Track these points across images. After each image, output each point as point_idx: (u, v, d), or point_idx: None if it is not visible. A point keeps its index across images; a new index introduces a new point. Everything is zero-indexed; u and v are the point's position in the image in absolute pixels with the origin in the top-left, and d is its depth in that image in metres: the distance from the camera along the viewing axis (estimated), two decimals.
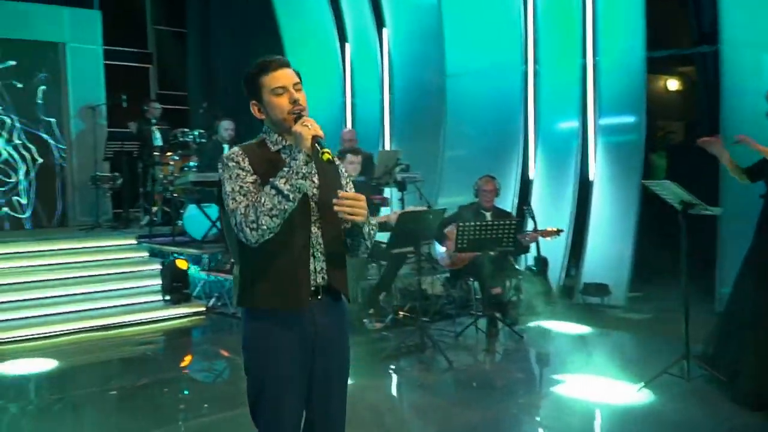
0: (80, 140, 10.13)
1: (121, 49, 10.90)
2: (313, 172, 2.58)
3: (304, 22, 11.03)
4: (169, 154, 9.06)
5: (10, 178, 9.69)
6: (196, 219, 8.34)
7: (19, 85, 9.69)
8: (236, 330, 7.05)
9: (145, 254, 8.54)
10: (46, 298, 7.41)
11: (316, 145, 2.42)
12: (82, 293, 7.62)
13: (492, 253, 6.31)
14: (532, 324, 6.86)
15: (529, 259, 7.64)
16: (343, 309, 2.73)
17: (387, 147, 10.23)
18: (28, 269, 7.75)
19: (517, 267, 7.40)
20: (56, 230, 9.61)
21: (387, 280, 6.58)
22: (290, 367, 2.55)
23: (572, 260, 7.98)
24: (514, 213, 7.91)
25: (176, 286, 7.69)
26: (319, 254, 2.57)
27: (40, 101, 9.85)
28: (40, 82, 9.85)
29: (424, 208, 6.38)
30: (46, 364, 5.98)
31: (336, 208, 2.46)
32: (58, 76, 10.06)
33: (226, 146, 8.14)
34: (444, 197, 8.75)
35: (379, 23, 10.14)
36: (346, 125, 10.80)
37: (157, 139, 9.59)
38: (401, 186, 7.30)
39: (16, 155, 9.77)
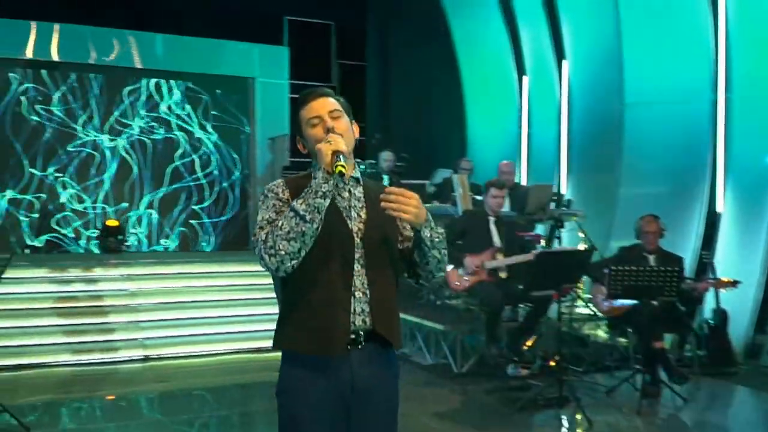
0: (263, 169, 10.70)
1: (306, 83, 11.37)
2: (353, 203, 2.38)
3: (482, 56, 10.93)
4: None
5: (199, 197, 10.52)
6: None
7: (214, 113, 10.57)
8: None
9: None
10: (212, 317, 7.81)
11: (336, 159, 2.21)
12: (243, 315, 7.93)
13: (654, 302, 5.61)
14: (701, 387, 5.99)
15: (707, 311, 6.73)
16: (391, 359, 2.44)
17: (563, 180, 9.67)
18: (208, 288, 8.21)
19: (688, 319, 6.53)
20: (224, 253, 10.14)
21: (530, 323, 6.09)
22: (317, 425, 2.31)
23: (763, 315, 6.91)
24: (693, 258, 7.04)
25: None
26: (362, 295, 2.33)
27: (233, 128, 10.63)
28: (232, 111, 10.63)
29: (567, 248, 5.82)
30: (212, 381, 6.24)
31: (382, 204, 2.23)
32: (247, 108, 10.76)
33: (385, 177, 8.11)
34: (616, 238, 8.01)
35: (560, 55, 9.71)
36: (520, 157, 10.41)
37: None
38: (558, 223, 6.77)
39: (203, 179, 10.57)
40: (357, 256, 2.34)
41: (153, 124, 10.51)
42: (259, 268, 2.40)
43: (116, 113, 10.32)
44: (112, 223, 9.99)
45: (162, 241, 10.52)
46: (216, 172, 10.70)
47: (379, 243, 2.38)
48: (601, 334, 7.10)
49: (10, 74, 9.84)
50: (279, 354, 2.40)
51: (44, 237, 9.99)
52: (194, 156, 10.62)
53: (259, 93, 10.76)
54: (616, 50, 8.45)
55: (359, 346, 2.33)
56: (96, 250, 9.88)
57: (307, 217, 2.20)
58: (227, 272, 8.52)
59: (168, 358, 6.99)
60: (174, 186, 10.51)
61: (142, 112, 10.45)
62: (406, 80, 11.42)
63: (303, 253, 2.24)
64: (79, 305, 7.49)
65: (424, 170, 9.20)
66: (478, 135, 11.11)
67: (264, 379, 6.35)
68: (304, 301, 2.32)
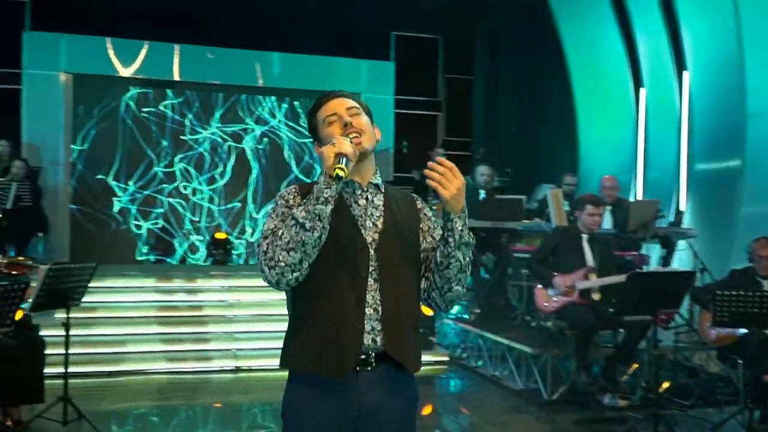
0: None
1: (412, 98, 11.32)
2: (369, 210, 2.22)
3: (596, 67, 10.43)
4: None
5: None
6: None
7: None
8: (478, 387, 6.67)
9: None
10: None
11: (337, 161, 2.05)
12: None
13: (766, 331, 5.04)
14: None
15: None
16: (405, 382, 2.25)
17: (682, 196, 9.02)
18: None
19: None
20: None
21: (627, 350, 5.63)
22: None
23: None
24: None
25: (421, 332, 7.52)
26: (373, 311, 2.15)
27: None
28: None
29: (665, 269, 5.34)
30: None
31: (426, 171, 2.07)
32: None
33: (482, 192, 7.85)
34: (735, 260, 7.33)
35: (680, 65, 9.09)
36: (636, 173, 9.81)
37: None
38: (665, 242, 6.26)
39: None
40: (370, 268, 2.17)
41: (264, 140, 10.82)
42: None
43: (235, 129, 10.72)
44: (220, 236, 10.32)
45: None
46: None
47: (396, 255, 2.20)
48: (714, 364, 6.48)
49: (135, 91, 10.41)
50: None
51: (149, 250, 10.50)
52: (296, 173, 10.81)
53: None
54: (737, 57, 7.79)
55: (369, 367, 2.16)
56: (203, 262, 10.24)
57: (307, 225, 2.04)
58: None
59: (257, 370, 7.04)
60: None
61: (257, 130, 10.78)
62: (514, 94, 11.10)
63: (306, 265, 2.09)
64: (178, 315, 7.73)
65: (529, 186, 8.87)
66: (591, 149, 10.59)
67: None
68: (313, 316, 2.17)
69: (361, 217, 2.22)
